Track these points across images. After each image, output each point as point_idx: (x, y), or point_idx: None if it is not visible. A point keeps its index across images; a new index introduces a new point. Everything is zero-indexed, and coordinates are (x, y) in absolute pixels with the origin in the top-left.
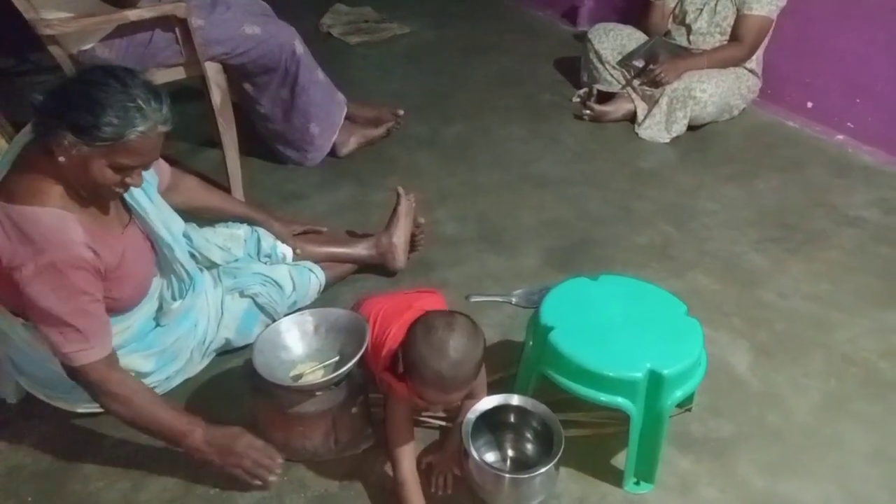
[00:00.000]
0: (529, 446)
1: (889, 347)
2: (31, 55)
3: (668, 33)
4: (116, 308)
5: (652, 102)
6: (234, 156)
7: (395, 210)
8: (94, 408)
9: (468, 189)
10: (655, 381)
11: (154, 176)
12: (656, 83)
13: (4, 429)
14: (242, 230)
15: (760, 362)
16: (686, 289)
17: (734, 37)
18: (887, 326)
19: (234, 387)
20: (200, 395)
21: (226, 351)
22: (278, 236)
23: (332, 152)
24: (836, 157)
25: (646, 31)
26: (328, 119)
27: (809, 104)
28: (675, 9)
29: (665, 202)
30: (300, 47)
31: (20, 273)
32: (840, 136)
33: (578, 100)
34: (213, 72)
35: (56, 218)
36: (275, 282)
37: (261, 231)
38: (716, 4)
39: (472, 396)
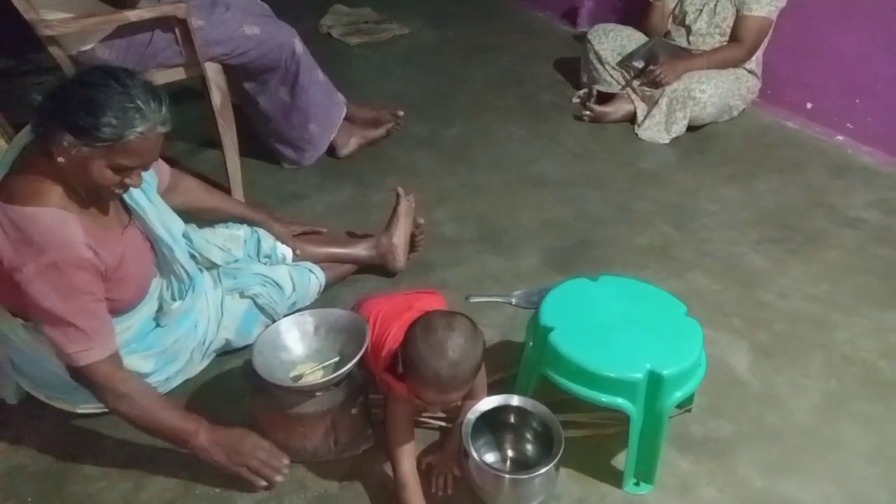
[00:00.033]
0: (529, 447)
1: (889, 347)
2: (32, 56)
3: (667, 34)
4: (116, 309)
5: (652, 103)
6: (233, 156)
7: (394, 210)
8: (94, 408)
9: (468, 189)
10: (655, 382)
11: (154, 177)
12: (656, 84)
13: (5, 429)
14: (242, 231)
15: (760, 363)
16: (686, 289)
17: (734, 37)
18: (887, 326)
19: (234, 387)
20: (200, 396)
21: (226, 351)
22: (278, 237)
23: (332, 153)
24: (835, 158)
25: (645, 32)
26: (328, 119)
27: (809, 105)
28: (674, 10)
29: (665, 203)
30: (300, 47)
31: (21, 273)
32: (840, 137)
33: (578, 100)
34: (212, 72)
35: (56, 218)
36: (275, 282)
37: (261, 232)
38: (715, 5)
39: (472, 397)
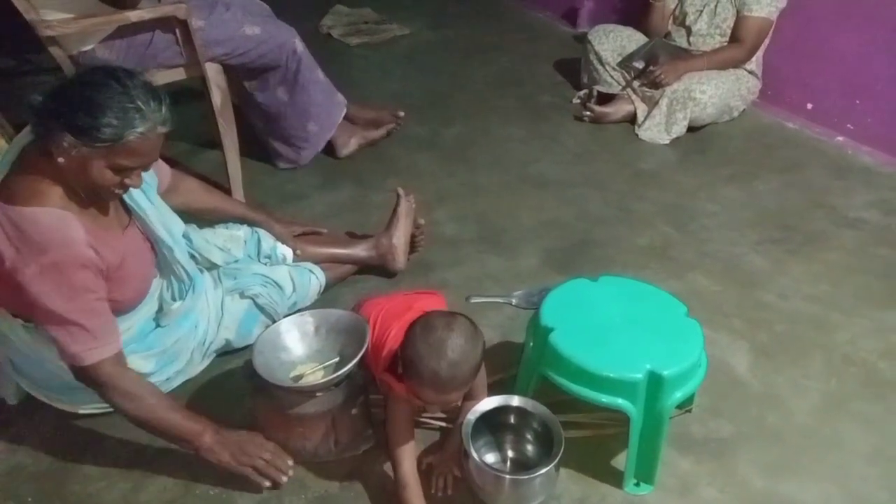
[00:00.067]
0: (529, 447)
1: (889, 348)
2: (32, 56)
3: (668, 35)
4: (117, 309)
5: (652, 104)
6: (234, 157)
7: (394, 211)
8: (95, 408)
9: (468, 190)
10: (655, 383)
11: (154, 177)
12: (656, 84)
13: (5, 430)
14: (242, 231)
15: (760, 363)
16: (686, 290)
17: (734, 38)
18: (887, 327)
19: (235, 388)
20: (201, 396)
21: (226, 352)
22: (278, 237)
23: (332, 153)
24: (835, 159)
25: (646, 33)
26: (327, 119)
27: (809, 105)
28: (675, 10)
29: (665, 203)
30: (300, 47)
31: (23, 274)
32: (840, 138)
33: (578, 101)
34: (213, 73)
35: (56, 218)
36: (275, 283)
37: (261, 232)
38: (716, 6)
39: (472, 397)
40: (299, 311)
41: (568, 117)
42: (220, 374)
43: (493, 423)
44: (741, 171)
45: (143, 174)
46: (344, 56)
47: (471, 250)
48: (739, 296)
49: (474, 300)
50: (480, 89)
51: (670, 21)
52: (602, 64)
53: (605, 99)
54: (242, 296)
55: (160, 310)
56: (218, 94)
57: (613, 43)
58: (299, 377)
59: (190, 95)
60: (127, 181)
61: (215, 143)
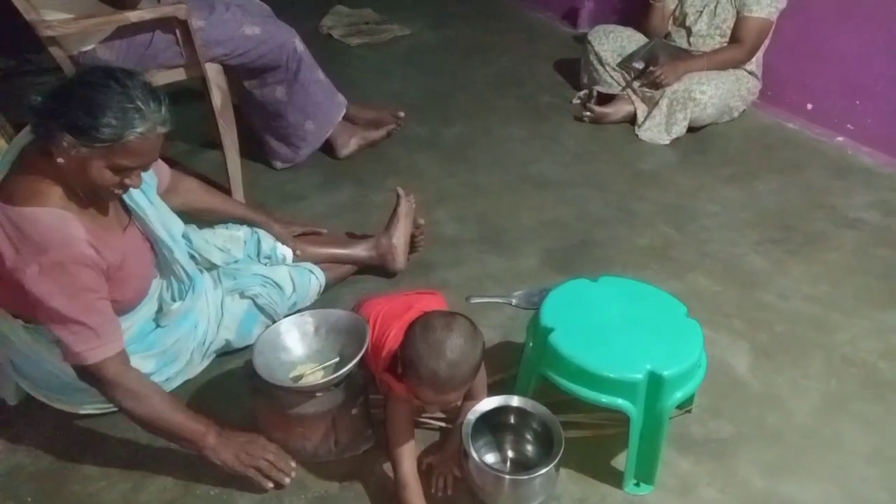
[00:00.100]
0: (529, 447)
1: (889, 348)
2: (32, 56)
3: (668, 35)
4: (117, 310)
5: (652, 104)
6: (234, 157)
7: (394, 211)
8: (95, 409)
9: (468, 190)
10: (655, 383)
11: (153, 177)
12: (656, 85)
13: (5, 430)
14: (242, 231)
15: (760, 363)
16: (686, 290)
17: (734, 39)
18: (887, 327)
19: (234, 388)
20: (200, 396)
21: (226, 352)
22: (278, 237)
23: (332, 153)
24: (835, 159)
25: (646, 33)
26: (326, 117)
27: (809, 106)
28: (675, 11)
29: (665, 204)
30: (300, 46)
31: (24, 274)
32: (840, 138)
33: (578, 101)
34: (213, 73)
35: (56, 217)
36: (275, 283)
37: (261, 232)
38: (715, 6)
39: (472, 397)
40: (299, 311)
41: (568, 117)
42: (219, 375)
43: (493, 424)
44: (741, 172)
45: (143, 174)
46: (344, 56)
47: (471, 250)
48: (739, 296)
49: (474, 300)
50: (480, 89)
51: (670, 21)
52: (602, 64)
53: (605, 99)
54: (242, 296)
55: (160, 310)
56: (218, 94)
57: (613, 43)
58: (299, 377)
59: (190, 96)
60: (126, 181)
61: (215, 144)
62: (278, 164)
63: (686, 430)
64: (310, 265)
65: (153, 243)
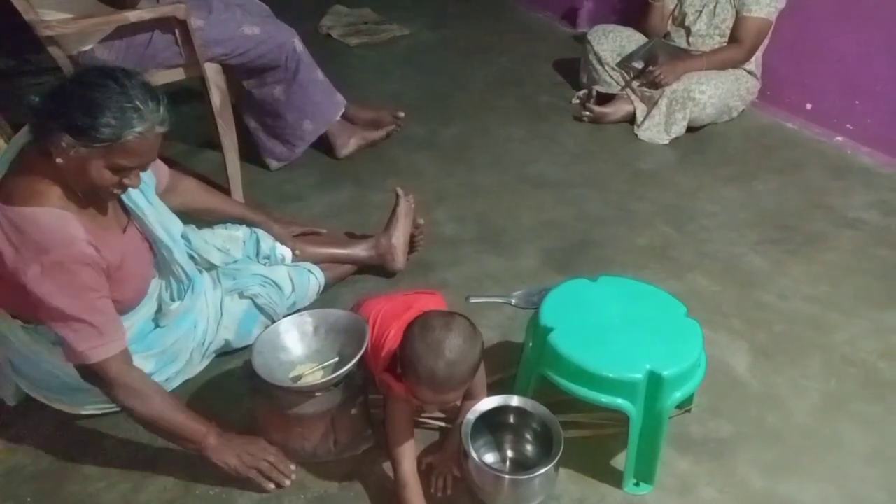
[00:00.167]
0: (529, 447)
1: (888, 348)
2: (31, 56)
3: (667, 35)
4: (116, 310)
5: (651, 104)
6: (233, 157)
7: (394, 211)
8: (95, 409)
9: (467, 190)
10: (655, 383)
11: (152, 177)
12: (655, 85)
13: (4, 430)
14: (241, 231)
15: (760, 363)
16: (685, 290)
17: (733, 38)
18: (886, 327)
19: (234, 388)
20: (200, 397)
21: (225, 352)
22: (277, 237)
23: (332, 153)
24: (835, 159)
25: (645, 33)
26: (323, 117)
27: (808, 106)
28: (674, 11)
29: (664, 203)
30: (300, 46)
31: (25, 275)
32: (839, 138)
33: (578, 101)
34: (212, 73)
35: (55, 217)
36: (274, 283)
37: (260, 232)
38: (715, 6)
39: (471, 397)
40: (298, 311)
41: (567, 117)
42: (219, 375)
43: (492, 423)
44: (740, 172)
45: (142, 174)
46: (343, 56)
47: (470, 250)
48: (739, 296)
49: (474, 300)
50: (480, 89)
51: (670, 21)
52: (601, 64)
53: (605, 99)
54: (241, 296)
55: (159, 310)
56: (217, 94)
57: (613, 43)
58: (298, 377)
59: (189, 96)
60: (125, 181)
61: (214, 144)
62: (273, 164)
63: (685, 429)
64: (309, 265)
65: (152, 243)
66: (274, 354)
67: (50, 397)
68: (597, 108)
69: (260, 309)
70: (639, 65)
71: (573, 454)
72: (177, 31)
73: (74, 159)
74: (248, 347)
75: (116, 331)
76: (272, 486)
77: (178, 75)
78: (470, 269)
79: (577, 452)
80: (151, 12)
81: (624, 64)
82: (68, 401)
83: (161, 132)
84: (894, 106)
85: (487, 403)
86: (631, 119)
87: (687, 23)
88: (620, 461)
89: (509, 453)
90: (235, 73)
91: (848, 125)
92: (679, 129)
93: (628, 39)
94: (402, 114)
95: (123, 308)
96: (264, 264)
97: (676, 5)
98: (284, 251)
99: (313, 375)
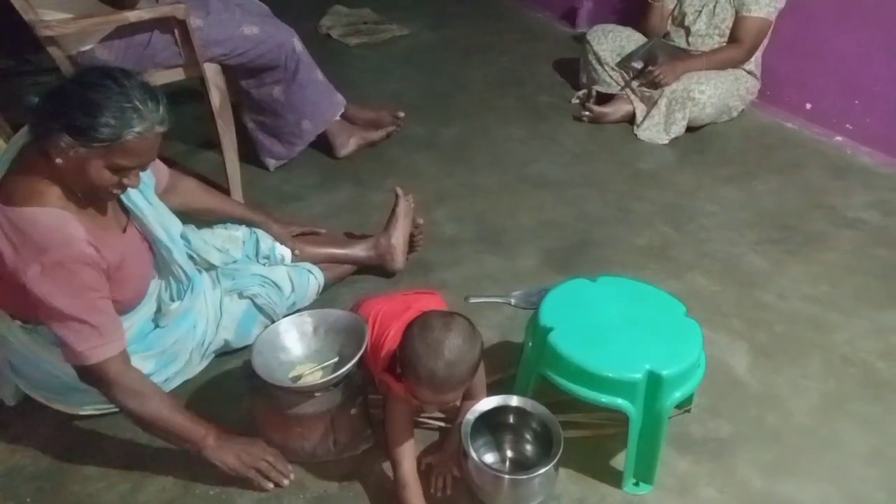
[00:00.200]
0: (529, 447)
1: (888, 348)
2: (31, 56)
3: (666, 35)
4: (116, 310)
5: (651, 104)
6: (233, 157)
7: (393, 211)
8: (94, 409)
9: (467, 190)
10: (655, 382)
11: (151, 177)
12: (655, 85)
13: (4, 430)
14: (241, 231)
15: (759, 363)
16: (685, 290)
17: (733, 38)
18: (886, 327)
19: (233, 388)
20: (199, 397)
21: (225, 352)
22: (277, 237)
23: (331, 153)
24: (834, 159)
25: (645, 33)
26: (322, 117)
27: (808, 105)
28: (673, 10)
29: (664, 203)
30: (299, 46)
31: (26, 275)
32: (839, 138)
33: (577, 101)
34: (211, 73)
35: (55, 217)
36: (273, 283)
37: (259, 232)
38: (714, 6)
39: (471, 397)
40: (298, 311)
41: (567, 117)
42: (218, 375)
43: (492, 423)
44: (740, 172)
45: (141, 174)
46: (343, 56)
47: (470, 250)
48: (738, 296)
49: (473, 300)
50: (480, 89)
51: (669, 21)
52: (601, 64)
53: (604, 99)
54: (241, 296)
55: (159, 310)
56: (217, 94)
57: (612, 43)
58: (298, 377)
59: (188, 96)
60: (125, 181)
61: (214, 144)
62: (271, 163)
63: (685, 429)
64: (308, 265)
65: (152, 243)
66: (273, 354)
67: (49, 397)
68: (596, 108)
69: (259, 309)
70: (638, 65)
71: (573, 454)
72: (176, 31)
73: (74, 159)
74: (247, 347)
75: (116, 331)
76: (271, 485)
77: (177, 75)
78: (469, 269)
79: (577, 452)
80: (151, 12)
81: (623, 64)
82: (68, 401)
83: (160, 132)
84: (894, 106)
85: (487, 403)
86: (630, 119)
87: (686, 23)
88: (620, 461)
89: (509, 453)
90: (234, 73)
91: (847, 125)
92: (679, 128)
93: (628, 39)
94: (401, 114)
95: (123, 308)
96: (264, 264)
97: (676, 5)
98: (284, 251)
99: (313, 375)
